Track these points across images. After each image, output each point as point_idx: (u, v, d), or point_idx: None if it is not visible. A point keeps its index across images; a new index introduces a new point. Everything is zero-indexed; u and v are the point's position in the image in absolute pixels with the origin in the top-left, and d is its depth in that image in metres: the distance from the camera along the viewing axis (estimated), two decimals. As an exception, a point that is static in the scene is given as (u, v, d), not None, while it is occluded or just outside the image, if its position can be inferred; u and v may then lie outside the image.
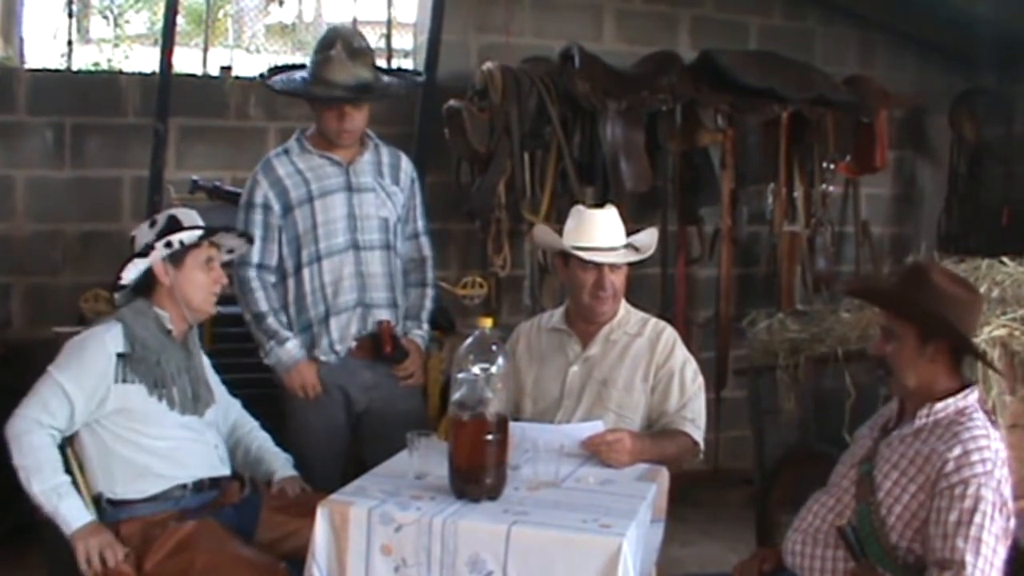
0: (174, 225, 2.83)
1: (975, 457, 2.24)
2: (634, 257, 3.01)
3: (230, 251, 3.04)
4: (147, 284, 2.83)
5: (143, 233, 2.85)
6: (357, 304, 3.23)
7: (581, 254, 2.95)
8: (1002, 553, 2.23)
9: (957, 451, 2.25)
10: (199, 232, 2.82)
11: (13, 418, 2.65)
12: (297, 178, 3.22)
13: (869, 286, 2.71)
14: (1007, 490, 2.27)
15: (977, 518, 2.19)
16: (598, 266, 2.95)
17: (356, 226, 3.24)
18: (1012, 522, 2.27)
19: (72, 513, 2.60)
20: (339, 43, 3.17)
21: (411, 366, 3.30)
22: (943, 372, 2.39)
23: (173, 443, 2.75)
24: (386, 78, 3.34)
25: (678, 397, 2.96)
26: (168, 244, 2.78)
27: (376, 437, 3.18)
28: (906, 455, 2.35)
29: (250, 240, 3.10)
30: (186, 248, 2.81)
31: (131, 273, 2.81)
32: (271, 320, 3.22)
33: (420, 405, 3.49)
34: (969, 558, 2.17)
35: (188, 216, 2.87)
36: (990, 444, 2.28)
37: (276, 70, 3.42)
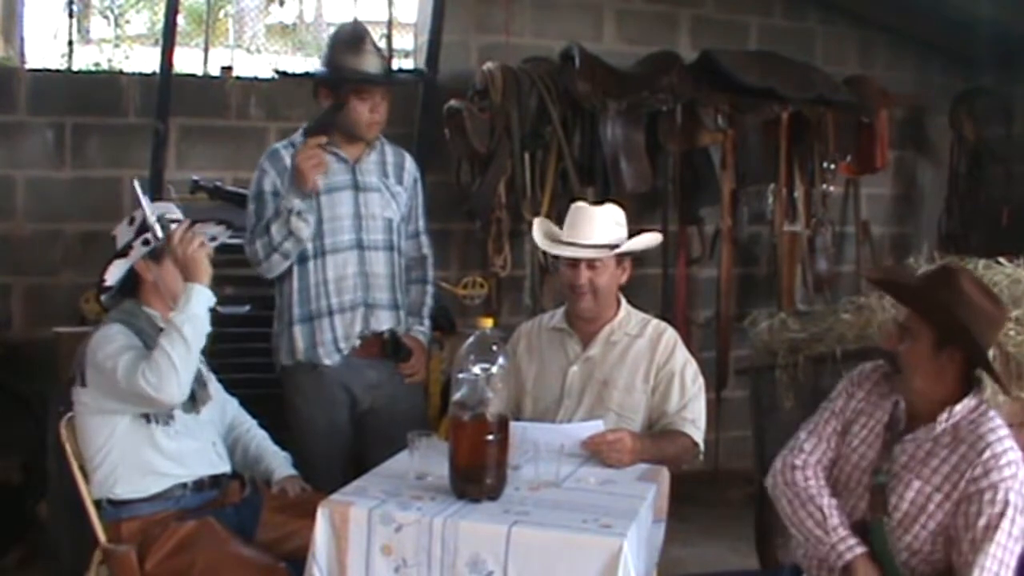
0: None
1: (1003, 460, 2.23)
2: (593, 254, 2.93)
3: (213, 239, 2.95)
4: (132, 283, 2.81)
5: (123, 232, 2.82)
6: (361, 304, 3.22)
7: (549, 249, 3.05)
8: (1017, 551, 2.22)
9: (987, 454, 2.23)
10: (174, 226, 2.78)
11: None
12: None
13: (895, 279, 2.62)
14: None
15: (1004, 524, 2.18)
16: (574, 263, 2.96)
17: (361, 225, 3.24)
18: None
19: (195, 298, 2.62)
20: (365, 38, 3.19)
21: (415, 364, 3.31)
22: (951, 379, 2.34)
23: (171, 439, 2.73)
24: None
25: (678, 398, 2.96)
26: (146, 242, 2.76)
27: (379, 436, 3.17)
28: (928, 464, 2.31)
29: (229, 227, 3.03)
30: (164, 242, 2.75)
31: (114, 274, 2.80)
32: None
33: (422, 403, 3.50)
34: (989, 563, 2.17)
35: (165, 210, 2.85)
36: (1013, 444, 2.26)
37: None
